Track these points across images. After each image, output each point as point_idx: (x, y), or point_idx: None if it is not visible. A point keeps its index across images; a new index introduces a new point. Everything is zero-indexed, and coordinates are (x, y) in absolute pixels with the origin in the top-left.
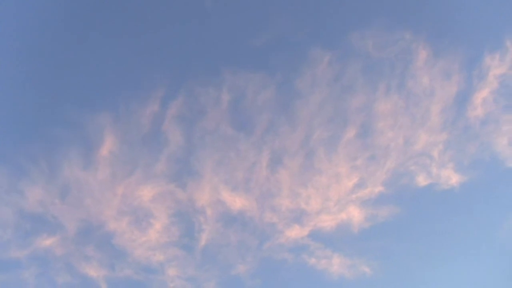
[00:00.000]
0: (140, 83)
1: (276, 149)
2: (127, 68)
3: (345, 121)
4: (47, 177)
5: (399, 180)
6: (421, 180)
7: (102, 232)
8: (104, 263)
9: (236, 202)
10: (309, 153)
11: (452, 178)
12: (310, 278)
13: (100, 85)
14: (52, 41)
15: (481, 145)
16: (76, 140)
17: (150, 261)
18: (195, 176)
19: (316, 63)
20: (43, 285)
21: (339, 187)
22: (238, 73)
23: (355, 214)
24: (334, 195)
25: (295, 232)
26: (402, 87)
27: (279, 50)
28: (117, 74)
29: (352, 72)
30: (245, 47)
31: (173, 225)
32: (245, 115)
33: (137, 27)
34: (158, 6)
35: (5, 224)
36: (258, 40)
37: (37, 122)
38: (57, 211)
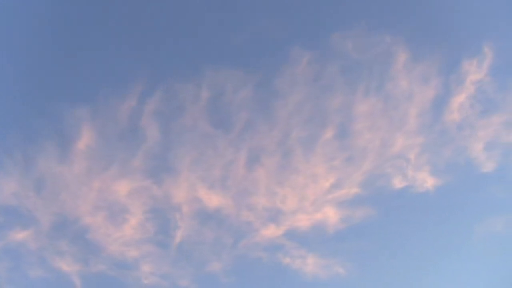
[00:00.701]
0: (119, 77)
1: (254, 148)
2: (106, 62)
3: (324, 121)
4: (21, 170)
5: (375, 182)
6: (397, 183)
7: (77, 226)
8: (78, 258)
9: (213, 199)
10: (286, 152)
11: (427, 181)
12: (285, 277)
13: (79, 78)
14: (30, 33)
15: (456, 149)
16: (52, 133)
17: (125, 257)
18: (172, 172)
19: (296, 63)
20: (15, 279)
21: (316, 187)
22: (218, 70)
23: (330, 215)
24: (311, 195)
25: (270, 231)
26: (380, 89)
27: (259, 48)
28: (96, 68)
29: (332, 73)
30: (225, 44)
31: (149, 221)
32: (224, 113)
33: (118, 21)
34: (139, 1)
35: None
36: (238, 38)
37: (13, 114)
38: (31, 205)
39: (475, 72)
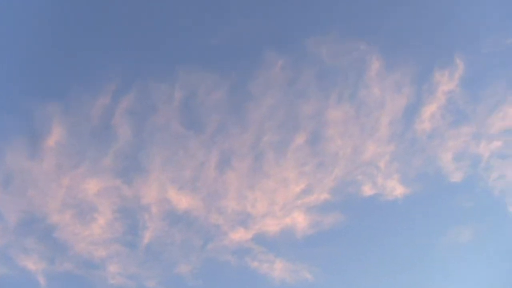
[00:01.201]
0: (92, 74)
1: (226, 150)
2: (80, 58)
3: (296, 126)
4: None
5: (346, 189)
6: (367, 190)
7: (44, 224)
8: (44, 256)
9: (183, 201)
10: (258, 156)
11: (396, 189)
12: (252, 281)
13: (51, 73)
14: (1, 26)
15: (426, 159)
16: (22, 128)
17: (92, 256)
18: (143, 172)
19: (270, 67)
20: None
21: (286, 192)
22: (192, 71)
23: (300, 220)
24: (281, 200)
25: (239, 235)
26: (353, 96)
27: (234, 51)
28: (69, 64)
29: (306, 78)
30: (201, 45)
31: (117, 221)
32: (196, 114)
33: (93, 19)
34: None
35: None
36: (214, 40)
37: None
38: None
39: (446, 82)
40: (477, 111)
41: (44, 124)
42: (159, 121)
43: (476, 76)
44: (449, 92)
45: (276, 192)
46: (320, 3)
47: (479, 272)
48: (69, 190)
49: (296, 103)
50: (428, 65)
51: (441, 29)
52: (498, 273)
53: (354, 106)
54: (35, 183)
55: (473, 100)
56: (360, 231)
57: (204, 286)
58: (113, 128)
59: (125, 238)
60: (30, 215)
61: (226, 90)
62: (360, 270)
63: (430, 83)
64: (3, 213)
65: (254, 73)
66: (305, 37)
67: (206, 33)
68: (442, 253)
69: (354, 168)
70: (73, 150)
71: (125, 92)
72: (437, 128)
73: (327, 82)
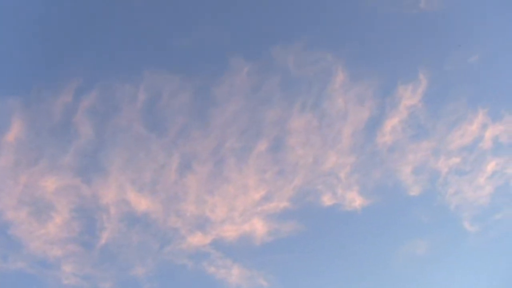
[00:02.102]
0: (55, 71)
1: (187, 154)
2: (44, 54)
3: (258, 133)
4: None
5: (305, 198)
6: (326, 200)
7: None
8: None
9: (141, 203)
10: (219, 161)
11: (356, 200)
12: (208, 286)
13: (12, 67)
14: None
15: (386, 171)
16: None
17: (47, 256)
18: (102, 172)
19: (236, 72)
20: None
21: (246, 198)
22: (157, 73)
23: (258, 227)
24: (240, 206)
25: (197, 239)
26: (317, 106)
27: (200, 55)
28: (32, 59)
29: (270, 86)
30: (167, 48)
31: (74, 220)
32: (159, 116)
33: (59, 15)
34: None
35: None
36: (180, 43)
37: None
38: None
39: (409, 97)
40: (438, 127)
41: (3, 119)
42: (121, 122)
43: (438, 92)
44: (411, 107)
45: (236, 198)
46: (288, 12)
47: (433, 285)
48: (26, 187)
49: (259, 110)
50: (392, 80)
51: (407, 45)
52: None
53: (317, 116)
54: None
55: (434, 116)
56: (318, 241)
57: None
58: (74, 126)
59: (82, 238)
60: None
61: (191, 93)
62: (315, 279)
63: (393, 97)
64: None
65: (220, 78)
66: (272, 45)
67: (173, 36)
68: (398, 265)
69: (314, 178)
70: (32, 147)
71: (88, 91)
72: (398, 141)
73: (291, 91)
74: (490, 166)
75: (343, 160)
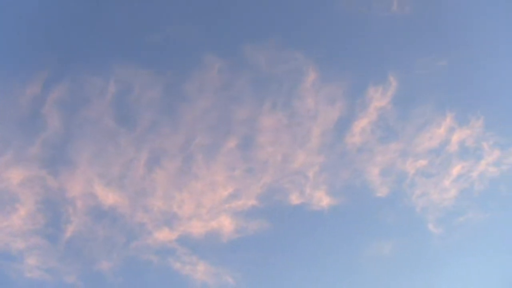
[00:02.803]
0: (24, 62)
1: (156, 149)
2: (12, 44)
3: (228, 130)
4: None
5: (273, 196)
6: (294, 198)
7: None
8: None
9: (109, 197)
10: (188, 157)
11: (323, 200)
12: (173, 282)
13: None
14: None
15: (354, 172)
16: None
17: (9, 248)
18: (70, 165)
19: (207, 69)
20: None
21: (214, 195)
22: (128, 67)
23: (226, 224)
24: (208, 203)
25: (163, 235)
26: (287, 105)
27: (172, 50)
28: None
29: (241, 84)
30: (138, 42)
31: (40, 212)
32: (129, 110)
33: (30, 5)
34: None
35: None
36: (152, 38)
37: None
38: None
39: (379, 99)
40: (406, 129)
41: None
42: (90, 115)
43: (408, 95)
44: (381, 108)
45: (203, 195)
46: (261, 11)
47: (397, 286)
48: None
49: (229, 107)
50: (363, 81)
51: (378, 47)
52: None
53: (287, 115)
54: None
55: (403, 118)
56: (285, 239)
57: (125, 284)
58: (42, 118)
59: (46, 231)
60: None
61: (161, 88)
62: (281, 277)
63: (363, 99)
64: None
65: (190, 74)
66: (243, 43)
67: (145, 30)
68: (363, 265)
69: (282, 176)
70: None
71: (57, 82)
72: (366, 142)
73: (262, 89)
74: (456, 169)
75: (312, 159)
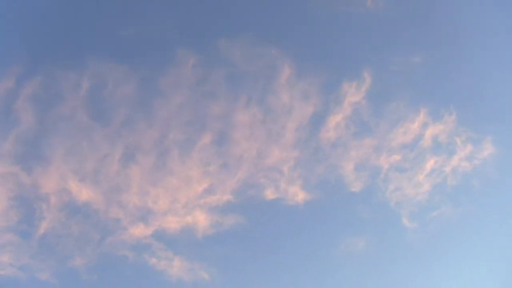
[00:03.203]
0: None
1: (130, 145)
2: None
3: (203, 126)
4: None
5: (248, 191)
6: (269, 194)
7: None
8: None
9: (83, 193)
10: (163, 153)
11: (298, 195)
12: (148, 278)
13: None
14: None
15: (329, 167)
16: None
17: None
18: (43, 161)
19: (181, 64)
20: None
21: (189, 190)
22: (102, 62)
23: (201, 219)
24: (183, 198)
25: (139, 230)
26: (262, 101)
27: (146, 45)
28: None
29: (216, 79)
30: (112, 36)
31: (12, 209)
32: (103, 106)
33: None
34: None
35: None
36: (126, 32)
37: None
38: None
39: (353, 94)
40: (380, 124)
41: None
42: (64, 110)
43: (382, 91)
44: (355, 104)
45: (178, 190)
46: (236, 6)
47: (371, 281)
48: None
49: (204, 103)
50: (337, 76)
51: (352, 43)
52: (387, 284)
53: (262, 110)
54: None
55: (377, 113)
56: (260, 234)
57: (99, 281)
58: (15, 113)
59: (20, 228)
60: None
61: (135, 84)
62: (256, 272)
63: (337, 94)
64: None
65: (165, 69)
66: (218, 38)
67: (119, 25)
68: (338, 260)
69: (257, 172)
70: None
71: (30, 77)
72: (341, 138)
73: (237, 84)
74: (429, 164)
75: (287, 154)
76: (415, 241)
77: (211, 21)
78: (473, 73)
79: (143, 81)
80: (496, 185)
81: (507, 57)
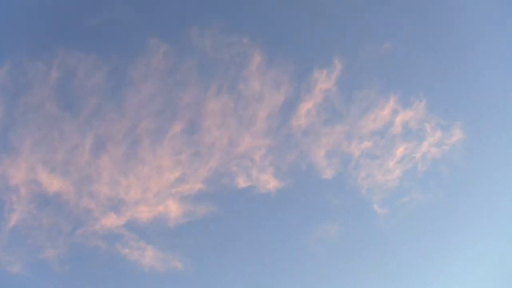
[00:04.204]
0: None
1: (101, 134)
2: None
3: (174, 115)
4: None
5: (220, 180)
6: (241, 182)
7: None
8: None
9: (53, 184)
10: (133, 142)
11: (270, 182)
12: (121, 268)
13: None
14: None
15: (300, 154)
16: None
17: None
18: (12, 152)
19: (152, 53)
20: None
21: (160, 179)
22: (71, 51)
23: (173, 209)
24: (154, 187)
25: (110, 221)
26: (233, 89)
27: (116, 34)
28: None
29: (187, 68)
30: (80, 26)
31: None
32: (73, 96)
33: None
34: None
35: None
36: (95, 21)
37: None
38: None
39: (324, 81)
40: (351, 111)
41: None
42: (33, 100)
43: (352, 78)
44: (326, 91)
45: (150, 179)
46: None
47: (341, 268)
48: None
49: (175, 91)
50: (308, 64)
51: (323, 30)
52: (359, 270)
53: (233, 98)
54: None
55: (347, 101)
56: (233, 222)
57: (71, 272)
58: None
59: None
60: None
61: (105, 73)
62: (229, 261)
63: (308, 81)
64: None
65: (135, 58)
66: (188, 27)
67: (87, 12)
68: (310, 247)
69: (229, 160)
70: None
71: None
72: (312, 125)
73: (207, 73)
74: (400, 151)
75: (258, 142)
76: (386, 227)
77: (182, 10)
78: (442, 59)
79: (113, 71)
80: (465, 170)
81: (476, 44)
